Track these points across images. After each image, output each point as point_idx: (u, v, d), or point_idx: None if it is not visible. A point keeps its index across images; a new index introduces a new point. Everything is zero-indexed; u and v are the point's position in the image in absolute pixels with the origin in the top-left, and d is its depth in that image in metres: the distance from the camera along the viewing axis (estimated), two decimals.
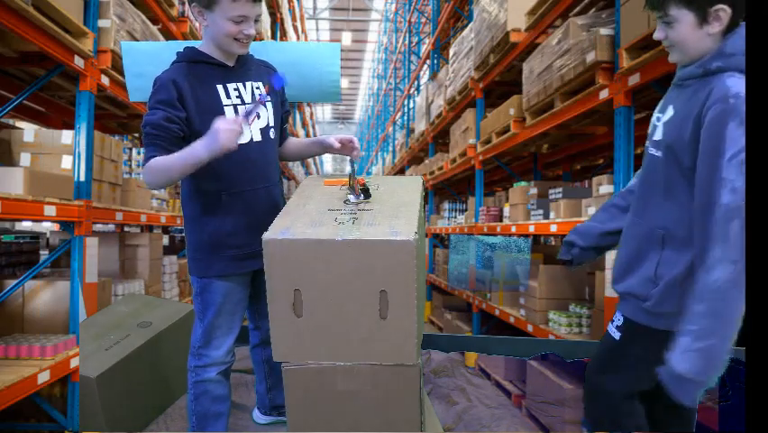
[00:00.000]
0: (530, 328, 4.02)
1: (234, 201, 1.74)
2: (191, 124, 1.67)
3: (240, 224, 1.75)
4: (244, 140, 1.74)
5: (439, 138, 8.34)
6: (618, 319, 1.50)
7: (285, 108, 1.93)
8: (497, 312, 4.80)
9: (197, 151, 1.55)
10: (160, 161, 1.61)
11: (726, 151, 1.24)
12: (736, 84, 1.26)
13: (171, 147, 1.63)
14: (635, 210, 1.52)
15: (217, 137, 1.50)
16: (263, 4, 7.24)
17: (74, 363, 2.80)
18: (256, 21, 1.69)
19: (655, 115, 1.49)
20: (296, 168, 14.67)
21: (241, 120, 1.55)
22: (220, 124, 1.51)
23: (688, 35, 1.35)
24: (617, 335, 1.49)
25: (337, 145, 1.85)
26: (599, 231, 1.71)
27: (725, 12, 1.31)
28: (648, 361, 1.45)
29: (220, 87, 1.73)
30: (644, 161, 1.52)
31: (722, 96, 1.26)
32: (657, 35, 1.41)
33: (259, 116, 1.79)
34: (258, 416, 2.20)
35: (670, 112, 1.41)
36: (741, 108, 1.23)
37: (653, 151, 1.45)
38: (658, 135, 1.44)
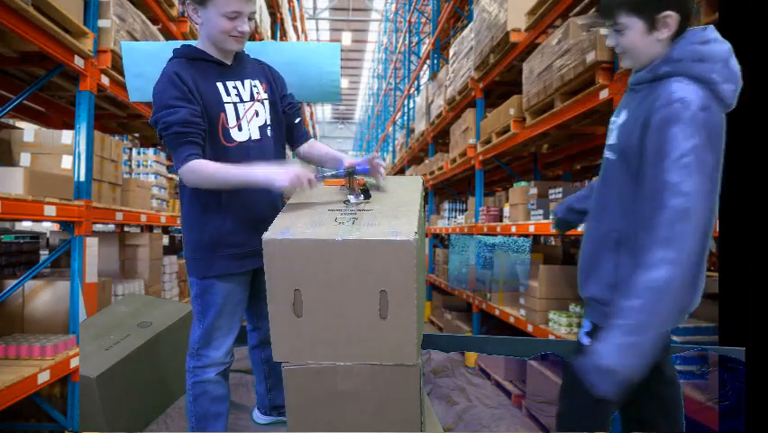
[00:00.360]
0: (530, 328, 4.02)
1: (234, 200, 1.74)
2: None
3: (239, 222, 1.75)
4: (243, 138, 1.75)
5: (439, 138, 8.34)
6: (587, 326, 1.49)
7: (287, 102, 1.91)
8: (497, 312, 4.80)
9: (258, 176, 1.61)
10: (213, 167, 1.62)
11: (669, 154, 1.25)
12: (682, 89, 1.29)
13: (203, 142, 1.65)
14: (592, 214, 1.54)
15: (288, 176, 1.56)
16: (263, 4, 7.24)
17: (74, 363, 2.80)
18: (250, 18, 1.69)
19: (612, 118, 1.51)
20: None
21: (313, 180, 1.60)
22: (298, 170, 1.57)
23: (638, 42, 1.38)
24: (586, 340, 1.48)
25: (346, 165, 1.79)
26: (568, 205, 1.81)
27: (672, 18, 1.34)
28: None
29: (220, 85, 1.73)
30: (601, 164, 1.54)
31: (666, 100, 1.28)
32: (609, 43, 1.45)
33: (257, 114, 1.79)
34: (258, 416, 2.20)
35: (623, 116, 1.44)
36: (684, 113, 1.25)
37: (608, 155, 1.47)
38: (612, 139, 1.46)
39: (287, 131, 1.92)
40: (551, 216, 1.86)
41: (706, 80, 1.30)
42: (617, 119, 1.46)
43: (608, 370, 1.24)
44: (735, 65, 1.35)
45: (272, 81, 1.87)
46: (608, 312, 1.39)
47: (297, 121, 1.92)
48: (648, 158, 1.30)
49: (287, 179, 1.57)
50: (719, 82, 1.30)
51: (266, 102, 1.82)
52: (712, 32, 1.38)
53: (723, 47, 1.34)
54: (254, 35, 1.76)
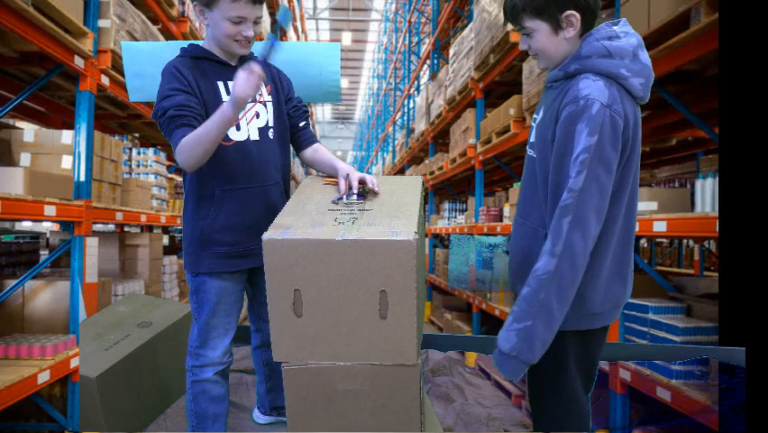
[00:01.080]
0: None
1: (227, 199, 1.73)
2: None
3: (232, 221, 1.74)
4: (241, 138, 1.74)
5: (439, 138, 8.35)
6: None
7: (293, 104, 1.89)
8: (497, 312, 4.80)
9: (223, 109, 1.54)
10: (192, 135, 1.58)
11: (570, 150, 1.30)
12: (588, 86, 1.31)
13: (198, 126, 1.61)
14: (519, 210, 1.56)
15: (238, 85, 1.49)
16: (264, 5, 7.25)
17: (74, 363, 2.80)
18: (256, 23, 1.69)
19: (534, 116, 1.53)
20: (296, 168, 14.66)
21: (256, 66, 1.51)
22: (239, 74, 1.50)
23: (547, 43, 1.41)
24: None
25: (342, 184, 1.72)
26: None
27: (575, 17, 1.36)
28: (569, 361, 1.46)
29: (221, 84, 1.73)
30: (525, 161, 1.57)
31: (574, 97, 1.31)
32: (521, 47, 1.48)
33: (258, 116, 1.78)
34: (258, 416, 2.21)
35: (541, 114, 1.46)
36: (589, 110, 1.28)
37: (530, 152, 1.49)
38: (532, 137, 1.49)
39: (291, 134, 1.91)
40: (503, 248, 1.86)
41: (614, 76, 1.33)
42: (537, 117, 1.49)
43: (503, 354, 1.34)
44: (644, 58, 1.37)
45: (278, 83, 1.86)
46: None
47: (301, 124, 1.90)
48: (554, 152, 1.35)
49: (243, 86, 1.50)
50: (628, 77, 1.33)
51: (269, 104, 1.81)
52: (623, 26, 1.40)
53: (630, 41, 1.36)
54: None
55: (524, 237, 1.51)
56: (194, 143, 1.58)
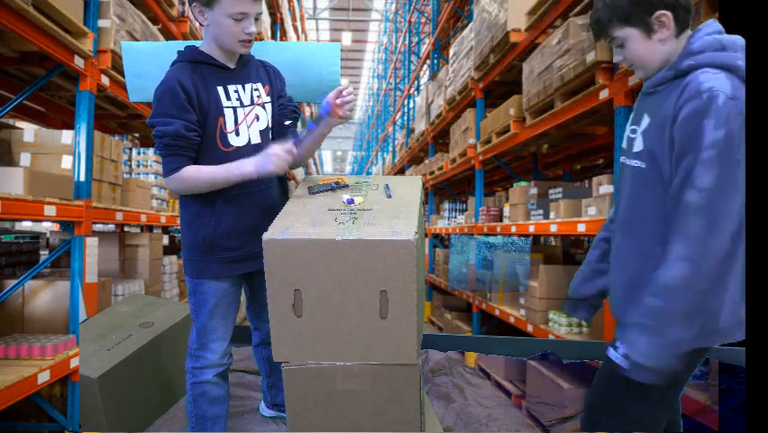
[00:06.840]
0: (530, 328, 4.02)
1: (230, 204, 1.73)
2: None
3: (235, 226, 1.74)
4: (241, 143, 1.73)
5: (439, 138, 8.35)
6: (623, 348, 1.35)
7: (280, 102, 1.88)
8: (497, 312, 4.80)
9: (246, 168, 1.63)
10: (198, 172, 1.65)
11: (695, 148, 1.22)
12: (710, 79, 1.24)
13: (193, 154, 1.67)
14: (624, 229, 1.43)
15: (271, 160, 1.60)
16: (263, 4, 7.24)
17: (74, 363, 2.80)
18: (256, 19, 1.68)
19: (630, 127, 1.45)
20: None
21: (293, 148, 1.62)
22: (276, 150, 1.60)
23: (641, 50, 1.35)
24: (624, 363, 1.34)
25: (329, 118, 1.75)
26: (587, 274, 1.64)
27: (666, 16, 1.31)
28: (681, 382, 1.40)
29: (221, 89, 1.72)
30: (622, 175, 1.47)
31: (695, 92, 1.24)
32: (616, 59, 1.43)
33: (258, 118, 1.78)
34: (263, 409, 2.24)
35: (646, 120, 1.38)
36: (714, 103, 1.21)
37: (635, 163, 1.39)
38: (638, 146, 1.39)
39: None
40: (577, 315, 1.75)
41: (733, 68, 1.26)
42: (638, 126, 1.40)
43: (644, 367, 1.28)
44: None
45: (275, 83, 1.86)
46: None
47: (286, 123, 1.88)
48: (677, 151, 1.26)
49: (278, 166, 1.61)
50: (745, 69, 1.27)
51: (267, 105, 1.80)
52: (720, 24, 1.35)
53: (738, 36, 1.31)
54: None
55: (635, 258, 1.38)
56: (194, 182, 1.66)
